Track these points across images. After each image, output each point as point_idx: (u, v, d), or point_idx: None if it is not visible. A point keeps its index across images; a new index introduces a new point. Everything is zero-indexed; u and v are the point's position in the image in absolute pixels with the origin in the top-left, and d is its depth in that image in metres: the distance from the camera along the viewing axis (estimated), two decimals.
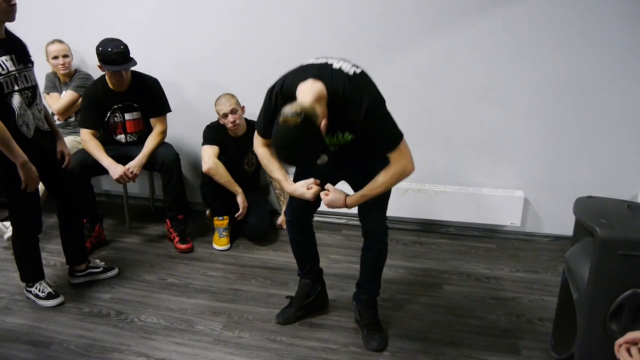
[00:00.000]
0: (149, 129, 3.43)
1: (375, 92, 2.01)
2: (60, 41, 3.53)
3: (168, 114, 3.44)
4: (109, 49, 3.09)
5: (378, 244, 2.42)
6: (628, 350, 1.36)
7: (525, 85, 3.25)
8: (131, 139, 3.45)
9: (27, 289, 2.79)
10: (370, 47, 3.32)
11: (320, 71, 1.98)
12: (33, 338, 2.46)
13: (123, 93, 3.32)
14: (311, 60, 2.08)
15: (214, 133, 3.41)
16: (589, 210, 2.08)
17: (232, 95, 3.34)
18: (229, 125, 3.31)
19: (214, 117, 3.46)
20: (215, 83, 3.64)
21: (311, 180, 2.23)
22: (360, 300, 2.52)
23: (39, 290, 2.75)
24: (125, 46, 3.13)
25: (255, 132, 2.30)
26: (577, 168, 3.31)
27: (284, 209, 3.65)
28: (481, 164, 3.48)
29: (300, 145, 1.84)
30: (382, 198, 2.29)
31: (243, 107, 3.39)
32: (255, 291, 2.87)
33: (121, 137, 3.44)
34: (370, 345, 2.39)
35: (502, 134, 3.39)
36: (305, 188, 2.22)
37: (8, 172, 2.41)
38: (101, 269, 2.97)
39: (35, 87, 2.52)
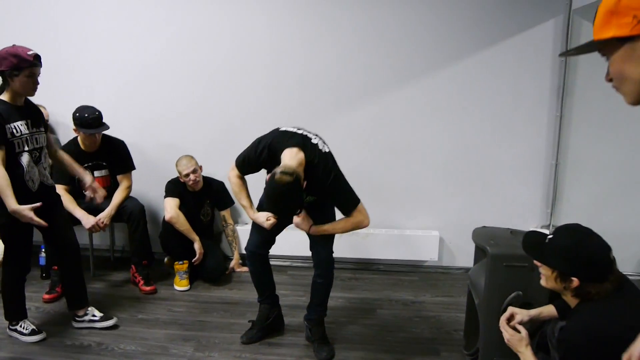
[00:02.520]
0: (115, 185, 3.87)
1: (337, 168, 2.69)
2: (42, 107, 3.92)
3: (132, 172, 3.91)
4: (86, 115, 3.57)
5: (327, 273, 2.94)
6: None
7: (437, 144, 4.03)
8: None
9: (11, 327, 3.08)
10: (318, 113, 3.99)
11: (302, 143, 2.62)
12: None
13: (93, 153, 3.77)
14: (292, 129, 2.70)
15: (175, 187, 3.90)
16: (482, 236, 2.76)
17: (192, 157, 3.87)
18: (190, 182, 3.83)
19: (172, 174, 3.96)
20: (173, 145, 4.16)
21: (271, 214, 2.77)
22: (311, 319, 3.01)
23: (23, 328, 3.05)
24: (99, 112, 3.62)
25: (233, 165, 2.84)
26: (481, 209, 4.04)
27: (235, 254, 4.15)
28: (404, 209, 4.16)
29: (289, 199, 2.44)
30: (332, 236, 2.88)
31: (200, 166, 3.91)
32: (218, 321, 3.33)
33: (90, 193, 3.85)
34: (321, 355, 2.88)
35: (420, 184, 4.11)
36: (265, 218, 2.78)
37: (2, 216, 2.76)
38: (99, 317, 3.19)
39: (42, 148, 2.94)
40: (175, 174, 3.95)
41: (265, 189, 2.55)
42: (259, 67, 4.05)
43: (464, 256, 4.16)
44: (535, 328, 2.30)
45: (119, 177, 3.86)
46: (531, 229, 2.13)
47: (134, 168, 3.91)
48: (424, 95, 3.99)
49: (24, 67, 2.70)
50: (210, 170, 4.05)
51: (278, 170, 2.42)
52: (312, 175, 2.59)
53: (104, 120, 3.65)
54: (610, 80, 1.14)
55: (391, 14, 3.88)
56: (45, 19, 4.11)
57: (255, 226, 2.93)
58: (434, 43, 3.90)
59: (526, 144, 3.99)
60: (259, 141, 2.74)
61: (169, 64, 4.12)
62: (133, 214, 3.75)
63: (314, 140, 2.67)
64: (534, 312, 2.18)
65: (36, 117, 2.91)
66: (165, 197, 3.87)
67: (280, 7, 3.95)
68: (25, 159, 2.81)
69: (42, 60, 2.79)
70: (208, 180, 3.99)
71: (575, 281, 1.79)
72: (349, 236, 4.03)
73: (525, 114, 3.94)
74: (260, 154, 2.69)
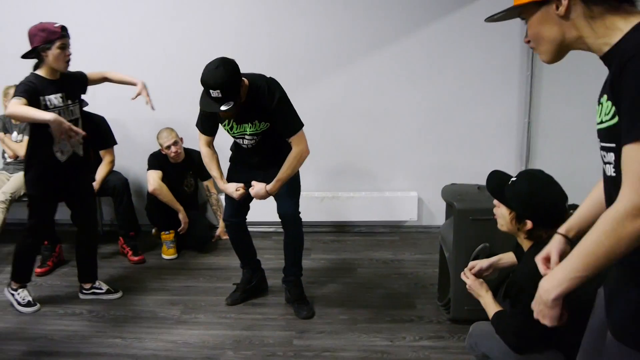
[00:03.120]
0: (97, 161, 3.95)
1: (283, 90, 2.76)
2: None
3: (115, 147, 3.99)
4: None
5: (294, 231, 3.02)
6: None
7: (411, 107, 4.13)
8: None
9: (11, 290, 3.19)
10: (292, 80, 4.03)
11: (246, 74, 2.71)
12: (19, 335, 2.92)
13: None
14: None
15: (157, 160, 3.99)
16: (451, 193, 2.89)
17: (172, 129, 3.95)
18: (172, 154, 3.91)
19: (154, 147, 4.04)
20: (153, 118, 4.20)
21: (240, 184, 2.89)
22: (288, 281, 3.13)
23: (21, 298, 3.17)
24: None
25: (199, 134, 2.95)
26: (457, 168, 4.15)
27: (220, 222, 4.27)
28: (382, 173, 4.28)
29: (221, 64, 2.56)
30: (294, 190, 2.98)
31: (181, 138, 4.00)
32: (204, 285, 3.46)
33: None
34: (301, 314, 3.02)
35: (397, 147, 4.22)
36: (234, 189, 2.89)
37: (33, 187, 2.93)
38: (104, 290, 3.32)
39: (77, 120, 3.05)
40: (157, 147, 4.03)
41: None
42: (232, 40, 4.09)
43: (442, 215, 4.27)
44: (502, 277, 2.44)
45: (101, 153, 3.95)
46: (494, 170, 2.22)
47: (115, 143, 3.99)
48: (395, 60, 4.07)
49: (54, 39, 2.81)
50: (191, 142, 4.13)
51: None
52: (257, 98, 2.68)
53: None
54: (529, 42, 1.28)
55: None
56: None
57: (228, 196, 3.03)
58: (402, 8, 3.97)
59: (499, 104, 4.10)
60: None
61: (144, 39, 4.17)
62: (117, 187, 3.85)
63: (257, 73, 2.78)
64: (493, 259, 2.29)
65: (71, 90, 3.01)
66: (147, 169, 3.96)
67: None
68: None
69: (68, 31, 2.90)
70: (189, 152, 4.07)
71: (529, 224, 1.91)
72: (330, 200, 4.20)
73: (496, 74, 4.04)
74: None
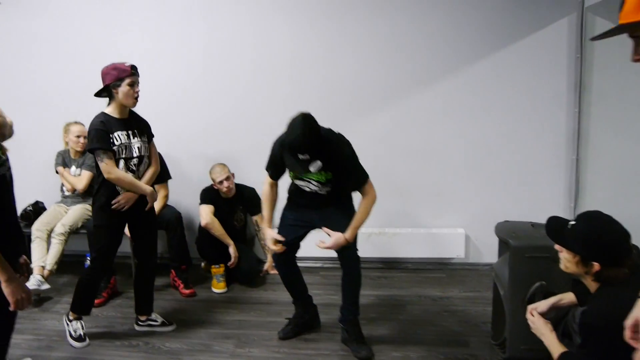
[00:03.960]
0: None
1: (350, 145, 2.86)
2: (80, 123, 4.17)
3: (168, 181, 4.13)
4: None
5: (354, 270, 3.04)
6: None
7: (459, 143, 4.18)
8: None
9: (67, 320, 3.29)
10: (339, 113, 4.15)
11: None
12: None
13: None
14: None
15: (209, 194, 4.11)
16: (504, 230, 2.89)
17: (224, 165, 4.07)
18: (224, 189, 4.02)
19: (205, 183, 4.17)
20: (205, 155, 4.37)
21: (278, 237, 2.99)
22: (346, 320, 3.11)
23: (73, 330, 3.26)
24: None
25: (266, 174, 3.05)
26: (504, 206, 4.15)
27: (269, 257, 4.33)
28: (429, 209, 4.30)
29: (307, 125, 2.63)
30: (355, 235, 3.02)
31: (233, 174, 4.11)
32: (255, 320, 3.51)
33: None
34: (360, 355, 2.98)
35: (444, 183, 4.25)
36: (273, 241, 3.01)
37: (102, 218, 3.08)
38: (159, 322, 3.41)
39: (141, 157, 3.18)
40: (208, 183, 4.15)
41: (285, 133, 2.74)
42: (283, 79, 4.25)
43: (489, 252, 4.25)
44: (559, 317, 2.42)
45: (156, 187, 4.05)
46: (551, 216, 2.23)
47: (170, 177, 4.12)
48: (443, 97, 4.14)
49: (124, 76, 3.00)
50: (242, 178, 4.25)
51: None
52: (327, 150, 2.72)
53: None
54: (638, 59, 1.35)
55: (407, 21, 4.07)
56: (78, 40, 4.37)
57: (283, 231, 3.09)
58: (450, 46, 4.06)
59: (546, 141, 4.11)
60: (275, 142, 2.95)
61: (197, 80, 4.36)
62: (171, 221, 3.96)
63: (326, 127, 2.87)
64: (553, 299, 2.28)
65: (138, 128, 3.17)
66: (200, 204, 4.08)
67: (301, 20, 4.16)
68: (120, 165, 3.06)
69: (138, 70, 3.09)
70: (240, 187, 4.18)
71: (596, 265, 1.90)
72: (377, 236, 4.23)
73: (543, 111, 4.06)
74: (279, 152, 2.87)
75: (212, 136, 4.41)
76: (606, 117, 4.00)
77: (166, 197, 4.08)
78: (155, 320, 3.43)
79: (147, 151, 3.23)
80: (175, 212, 4.04)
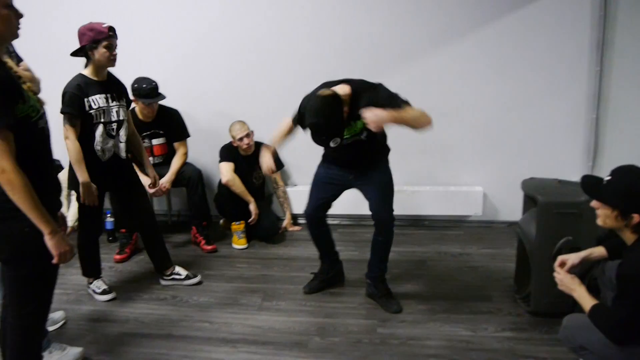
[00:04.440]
0: (171, 152, 4.09)
1: (385, 88, 2.72)
2: None
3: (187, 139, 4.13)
4: (144, 85, 3.77)
5: (388, 232, 3.03)
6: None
7: (478, 101, 4.15)
8: (158, 161, 4.10)
9: (88, 284, 3.36)
10: (359, 75, 4.11)
11: (346, 80, 2.72)
12: (111, 318, 3.07)
13: (150, 122, 3.99)
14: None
15: (229, 152, 4.11)
16: (532, 186, 2.92)
17: (244, 122, 4.06)
18: (244, 146, 4.02)
19: (223, 140, 4.16)
20: (223, 112, 4.35)
21: (273, 167, 2.92)
22: (374, 277, 3.14)
23: (96, 287, 3.33)
24: (156, 83, 3.82)
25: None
26: (522, 164, 4.15)
27: (287, 214, 4.37)
28: (447, 168, 4.32)
29: (326, 112, 2.52)
30: (389, 192, 3.01)
31: (252, 131, 4.10)
32: (279, 274, 3.57)
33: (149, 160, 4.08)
34: (391, 308, 3.02)
35: (462, 142, 4.25)
36: (267, 167, 2.90)
37: (78, 184, 3.05)
38: (183, 276, 3.44)
39: (121, 122, 3.13)
40: (227, 140, 4.15)
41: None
42: (302, 37, 4.19)
43: (507, 210, 4.31)
44: (583, 271, 2.47)
45: (175, 145, 4.08)
46: (585, 174, 2.25)
47: (188, 135, 4.12)
48: (461, 55, 4.09)
49: (100, 39, 2.91)
50: (260, 137, 4.24)
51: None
52: (360, 99, 2.62)
53: (160, 91, 3.85)
54: None
55: None
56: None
57: (314, 190, 3.10)
58: (469, 3, 3.99)
59: (566, 99, 4.08)
60: (304, 98, 2.83)
61: (216, 37, 4.29)
62: (192, 178, 3.98)
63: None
64: (583, 253, 2.32)
65: (117, 92, 3.11)
66: (220, 161, 4.09)
67: None
68: (99, 130, 3.03)
69: (116, 32, 2.98)
70: (258, 145, 4.17)
71: (636, 217, 1.93)
72: (396, 194, 4.22)
73: (565, 69, 4.03)
74: (304, 105, 2.78)
75: (231, 94, 4.38)
76: (628, 76, 3.98)
77: (185, 154, 4.08)
78: (179, 274, 3.47)
79: (126, 115, 3.18)
80: (196, 169, 4.05)
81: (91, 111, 2.98)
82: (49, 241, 1.87)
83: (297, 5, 4.14)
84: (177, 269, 3.49)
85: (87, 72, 3.01)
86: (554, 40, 3.98)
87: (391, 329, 2.86)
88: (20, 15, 1.87)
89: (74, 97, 2.94)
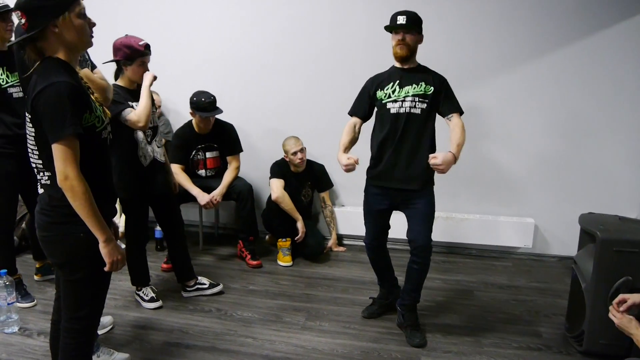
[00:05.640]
0: (224, 166, 4.16)
1: None
2: (156, 93, 4.26)
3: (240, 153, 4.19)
4: (202, 99, 3.86)
5: (424, 258, 2.94)
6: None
7: (535, 131, 4.08)
8: (210, 174, 4.17)
9: (137, 291, 3.43)
10: None
11: None
12: (156, 326, 3.12)
13: (206, 135, 4.07)
14: None
15: (280, 168, 4.15)
16: (590, 221, 2.83)
17: (298, 138, 4.10)
18: (297, 161, 4.05)
19: (274, 157, 4.21)
20: (275, 129, 4.41)
21: (354, 157, 2.85)
22: (404, 305, 3.06)
23: (144, 294, 3.39)
24: (214, 97, 3.90)
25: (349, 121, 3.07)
26: (578, 198, 4.05)
27: (333, 234, 4.37)
28: (498, 196, 4.23)
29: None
30: (430, 216, 2.95)
31: (305, 147, 4.13)
32: (323, 295, 3.55)
33: (202, 172, 4.16)
34: (414, 342, 2.94)
35: (515, 171, 4.17)
36: (346, 157, 2.85)
37: (123, 191, 3.14)
38: (207, 285, 3.51)
39: (156, 127, 3.25)
40: (278, 157, 4.20)
41: None
42: (356, 56, 4.21)
43: (558, 244, 4.20)
44: None
45: (228, 158, 4.15)
46: None
47: (242, 150, 4.18)
48: (521, 84, 4.04)
49: (136, 57, 3.03)
50: (311, 156, 4.28)
51: None
52: (428, 69, 2.97)
53: (217, 105, 3.93)
54: None
55: (492, 4, 3.95)
56: (159, 12, 4.45)
57: (368, 220, 3.07)
58: (533, 31, 3.94)
59: (628, 133, 3.96)
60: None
61: (273, 55, 4.37)
62: (242, 192, 4.02)
63: None
64: None
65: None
66: (270, 177, 4.13)
67: (378, 2, 4.09)
68: (140, 135, 3.12)
69: (151, 49, 3.08)
70: (310, 163, 4.22)
71: None
72: (444, 220, 4.19)
73: (627, 102, 3.92)
74: (370, 83, 3.01)
75: (284, 113, 4.44)
76: None
77: (237, 168, 4.13)
78: (204, 284, 3.52)
79: (157, 121, 3.27)
80: (247, 184, 4.10)
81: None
82: (103, 249, 1.91)
83: (354, 27, 4.18)
84: (200, 278, 3.55)
85: (121, 82, 3.13)
86: (617, 72, 3.89)
87: (436, 358, 2.80)
88: (93, 24, 1.94)
89: (120, 97, 3.03)
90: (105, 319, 3.04)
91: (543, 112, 4.04)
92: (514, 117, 4.09)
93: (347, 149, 2.99)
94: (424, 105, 2.85)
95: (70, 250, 1.93)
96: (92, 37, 1.99)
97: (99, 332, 2.89)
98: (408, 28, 2.81)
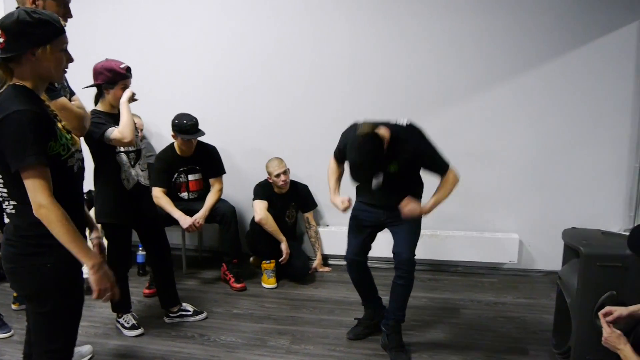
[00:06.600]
0: (207, 188, 4.12)
1: (424, 137, 2.82)
2: (138, 116, 4.22)
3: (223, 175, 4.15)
4: (184, 121, 3.83)
5: (408, 275, 2.92)
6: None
7: (517, 147, 4.10)
8: (192, 197, 4.13)
9: (117, 319, 3.35)
10: (397, 112, 4.10)
11: (383, 122, 2.74)
12: (138, 354, 3.04)
13: (188, 158, 4.03)
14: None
15: (263, 190, 4.12)
16: (574, 237, 2.82)
17: (281, 159, 4.08)
18: (280, 183, 4.02)
19: (258, 178, 4.18)
20: (259, 150, 4.39)
21: (347, 198, 2.91)
22: (388, 325, 3.01)
23: (125, 322, 3.31)
24: (196, 119, 3.88)
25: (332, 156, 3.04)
26: (561, 213, 4.05)
27: (318, 255, 4.33)
28: (483, 213, 4.23)
29: (368, 149, 2.57)
30: (415, 232, 2.95)
31: (289, 169, 4.10)
32: (309, 317, 3.50)
33: (184, 195, 4.12)
34: None
35: (499, 187, 4.18)
36: (341, 201, 2.90)
37: (106, 216, 3.09)
38: (191, 312, 3.45)
39: (139, 151, 3.21)
40: (261, 178, 4.17)
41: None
42: (340, 77, 4.23)
43: (543, 259, 4.19)
44: (629, 328, 2.35)
45: (211, 181, 4.11)
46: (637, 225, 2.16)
47: (224, 172, 4.14)
48: (502, 100, 4.07)
49: (117, 80, 3.00)
50: (295, 176, 4.25)
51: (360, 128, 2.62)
52: (400, 145, 2.71)
53: (199, 127, 3.90)
54: None
55: (468, 22, 4.00)
56: (139, 35, 4.44)
57: (352, 234, 3.06)
58: (514, 47, 3.98)
59: (609, 147, 4.00)
60: (344, 132, 2.92)
61: (255, 76, 4.37)
62: (225, 215, 3.98)
63: (394, 120, 2.81)
64: (633, 307, 2.21)
65: None
66: (254, 199, 4.09)
67: (361, 20, 4.13)
68: (123, 158, 3.08)
69: (132, 71, 3.06)
70: (294, 183, 4.19)
71: None
72: (429, 238, 4.17)
73: (608, 116, 3.95)
74: (344, 141, 2.85)
75: (267, 133, 4.43)
76: None
77: (220, 190, 4.09)
78: (188, 310, 3.46)
79: (140, 144, 3.24)
80: (230, 207, 4.06)
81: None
82: (92, 275, 1.82)
83: (337, 45, 4.20)
84: (185, 305, 3.48)
85: (101, 107, 3.08)
86: (597, 86, 3.93)
87: None
88: (71, 60, 1.91)
89: (101, 119, 2.98)
90: (84, 349, 2.96)
91: (524, 128, 4.07)
92: (496, 134, 4.11)
93: (338, 187, 3.05)
94: (395, 177, 2.82)
95: (37, 282, 1.84)
96: (66, 72, 1.95)
97: None
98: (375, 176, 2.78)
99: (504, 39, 3.98)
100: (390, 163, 2.75)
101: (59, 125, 1.87)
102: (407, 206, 2.75)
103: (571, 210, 4.06)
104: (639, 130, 3.92)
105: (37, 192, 1.71)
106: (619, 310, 2.18)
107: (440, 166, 2.83)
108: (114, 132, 2.96)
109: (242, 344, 3.15)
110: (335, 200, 2.98)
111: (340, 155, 2.97)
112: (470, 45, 4.02)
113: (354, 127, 2.76)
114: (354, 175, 2.75)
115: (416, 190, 2.99)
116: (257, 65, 4.34)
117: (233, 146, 4.44)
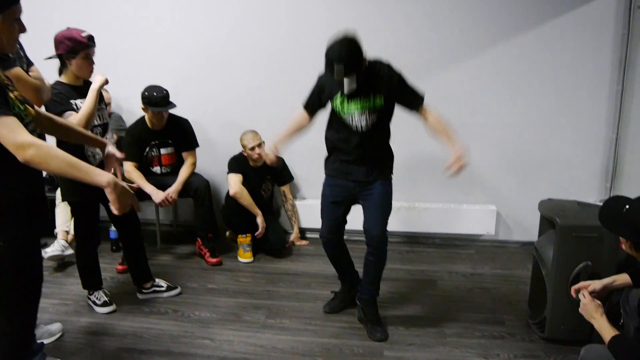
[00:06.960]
0: (180, 162, 4.02)
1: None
2: (105, 90, 4.08)
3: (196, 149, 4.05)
4: (154, 93, 3.71)
5: (380, 250, 2.87)
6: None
7: (495, 119, 4.05)
8: (165, 171, 4.03)
9: (88, 295, 3.27)
10: None
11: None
12: (109, 331, 2.98)
13: (160, 131, 3.91)
14: None
15: (238, 163, 4.03)
16: (550, 208, 2.80)
17: (256, 132, 3.99)
18: (255, 156, 3.94)
19: (232, 151, 4.09)
20: (233, 123, 4.28)
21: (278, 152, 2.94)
22: (363, 299, 2.99)
23: (96, 298, 3.24)
24: (167, 91, 3.75)
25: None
26: (539, 184, 4.05)
27: (295, 228, 4.28)
28: (460, 185, 4.18)
29: (349, 41, 2.57)
30: (386, 207, 2.88)
31: (264, 142, 4.01)
32: (285, 291, 3.46)
33: (157, 169, 4.01)
34: (375, 336, 2.86)
35: (476, 160, 4.08)
36: (275, 148, 2.94)
37: (73, 194, 2.98)
38: (165, 287, 3.39)
39: (106, 125, 3.09)
40: (236, 151, 4.08)
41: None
42: (315, 48, 4.09)
43: (521, 230, 4.19)
44: (603, 298, 2.34)
45: (184, 154, 4.01)
46: (613, 195, 2.13)
47: (197, 145, 4.04)
48: (478, 73, 4.00)
49: (79, 49, 2.83)
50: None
51: None
52: (377, 73, 2.69)
53: (170, 99, 3.78)
54: None
55: None
56: (108, 5, 4.26)
57: (324, 212, 2.97)
58: (491, 18, 3.90)
59: (586, 118, 3.97)
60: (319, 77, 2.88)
61: (228, 47, 4.23)
62: (199, 189, 3.90)
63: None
64: (607, 280, 2.20)
65: None
66: (228, 173, 4.01)
67: None
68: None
69: (95, 41, 2.90)
70: None
71: None
72: (407, 210, 4.15)
73: (585, 88, 3.92)
74: (322, 77, 2.83)
75: (242, 106, 4.31)
76: None
77: (194, 164, 4.00)
78: (161, 286, 3.40)
79: (107, 118, 3.12)
80: (204, 181, 3.97)
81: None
82: (110, 194, 1.71)
83: (310, 16, 4.08)
84: (158, 280, 3.42)
85: (65, 79, 2.93)
86: (574, 58, 3.88)
87: (399, 352, 2.74)
88: (23, 30, 1.80)
89: (62, 96, 2.85)
90: (54, 327, 2.89)
91: (501, 100, 4.02)
92: (473, 107, 4.05)
93: (287, 139, 3.00)
94: (375, 117, 2.74)
95: None
96: (18, 42, 1.84)
97: (47, 340, 2.75)
98: (349, 74, 2.55)
99: (480, 10, 3.89)
100: (375, 96, 2.69)
101: (11, 95, 1.76)
102: (458, 162, 2.76)
103: (548, 182, 4.05)
104: (617, 101, 3.89)
105: (15, 133, 1.60)
106: (593, 285, 2.17)
107: (417, 95, 2.80)
108: (70, 118, 2.81)
109: (216, 319, 3.10)
110: (272, 145, 2.98)
111: (311, 100, 2.90)
112: (446, 18, 3.94)
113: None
114: (330, 70, 2.60)
115: (387, 154, 2.94)
116: (230, 35, 4.21)
117: (206, 119, 4.32)
